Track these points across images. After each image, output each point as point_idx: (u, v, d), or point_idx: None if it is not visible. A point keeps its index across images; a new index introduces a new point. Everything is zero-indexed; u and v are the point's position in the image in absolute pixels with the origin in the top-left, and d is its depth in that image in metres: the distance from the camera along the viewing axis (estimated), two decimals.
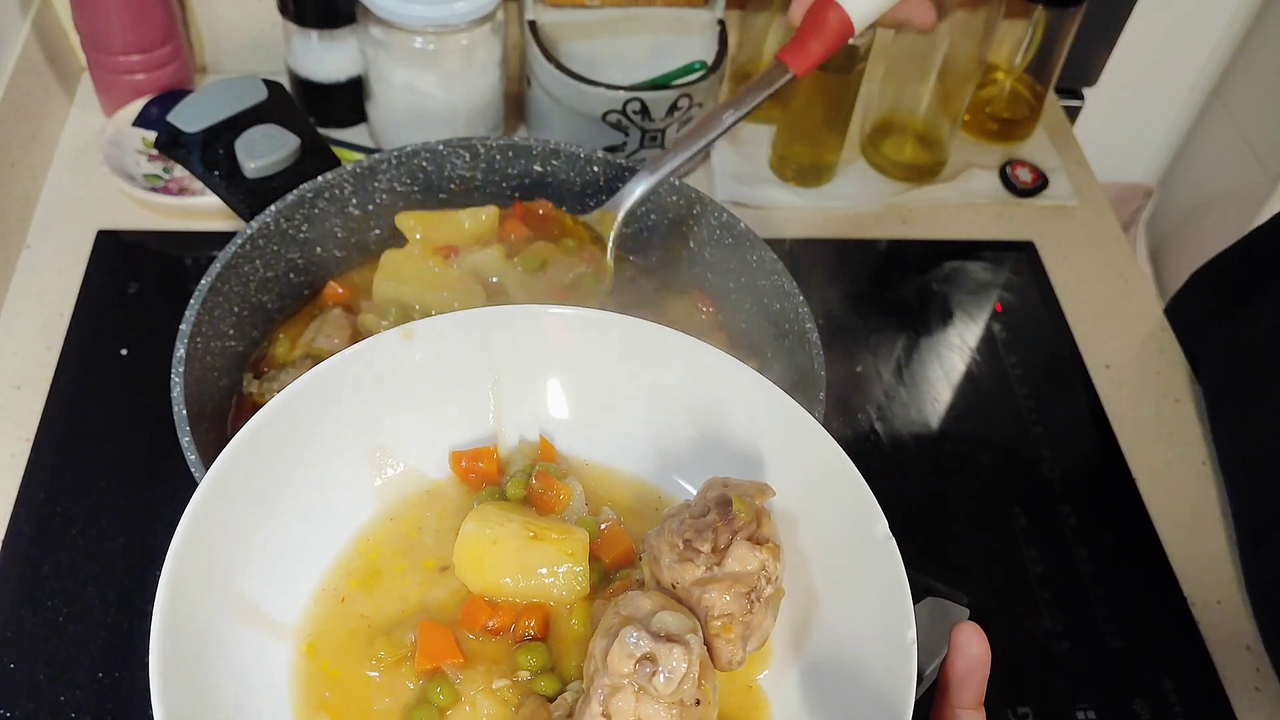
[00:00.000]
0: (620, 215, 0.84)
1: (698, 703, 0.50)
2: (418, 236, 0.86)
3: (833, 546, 0.59)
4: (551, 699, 0.56)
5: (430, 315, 0.66)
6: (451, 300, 0.81)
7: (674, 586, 0.55)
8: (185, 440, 0.70)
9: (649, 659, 0.50)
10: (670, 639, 0.50)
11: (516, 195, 0.92)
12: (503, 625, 0.58)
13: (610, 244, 0.84)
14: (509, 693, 0.56)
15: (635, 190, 0.84)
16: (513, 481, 0.63)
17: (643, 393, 0.66)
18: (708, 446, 0.65)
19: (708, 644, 0.54)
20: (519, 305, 0.65)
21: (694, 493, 0.62)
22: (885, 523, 0.57)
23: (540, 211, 0.88)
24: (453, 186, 0.90)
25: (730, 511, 0.55)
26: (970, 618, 0.62)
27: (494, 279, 0.84)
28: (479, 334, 0.64)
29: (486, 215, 0.87)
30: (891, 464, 0.97)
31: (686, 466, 0.65)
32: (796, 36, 0.84)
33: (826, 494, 0.60)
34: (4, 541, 0.84)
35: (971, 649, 0.54)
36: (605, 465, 0.67)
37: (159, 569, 0.60)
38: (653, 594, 0.54)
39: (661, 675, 0.49)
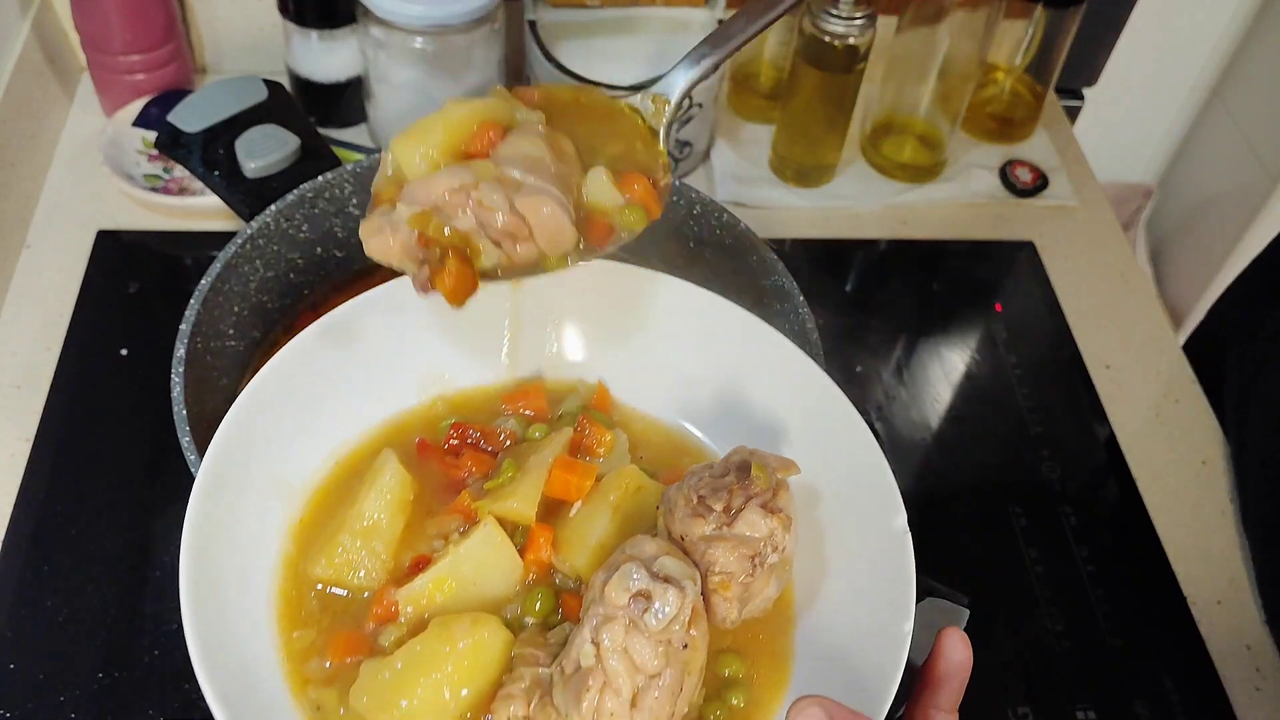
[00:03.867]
0: (674, 99, 0.71)
1: (685, 646, 0.52)
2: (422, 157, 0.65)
3: (850, 527, 0.62)
4: (550, 628, 0.58)
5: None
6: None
7: (682, 539, 0.57)
8: (185, 440, 0.70)
9: (644, 595, 0.51)
10: (668, 580, 0.52)
11: None
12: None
13: (664, 133, 0.70)
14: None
15: (687, 74, 0.71)
16: (564, 418, 0.68)
17: (694, 355, 0.71)
18: (749, 413, 0.68)
19: (705, 598, 0.55)
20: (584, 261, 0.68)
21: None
22: (904, 516, 0.59)
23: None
24: None
25: (749, 476, 0.57)
26: (970, 618, 0.63)
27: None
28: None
29: (494, 95, 0.67)
30: (891, 464, 0.97)
31: (723, 428, 0.69)
32: None
33: (852, 477, 0.63)
34: (4, 541, 0.84)
35: (954, 655, 0.55)
36: (653, 417, 0.71)
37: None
38: (659, 540, 0.56)
39: (654, 613, 0.51)
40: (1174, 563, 0.92)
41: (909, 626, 0.55)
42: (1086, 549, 0.92)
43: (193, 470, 0.69)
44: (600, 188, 0.64)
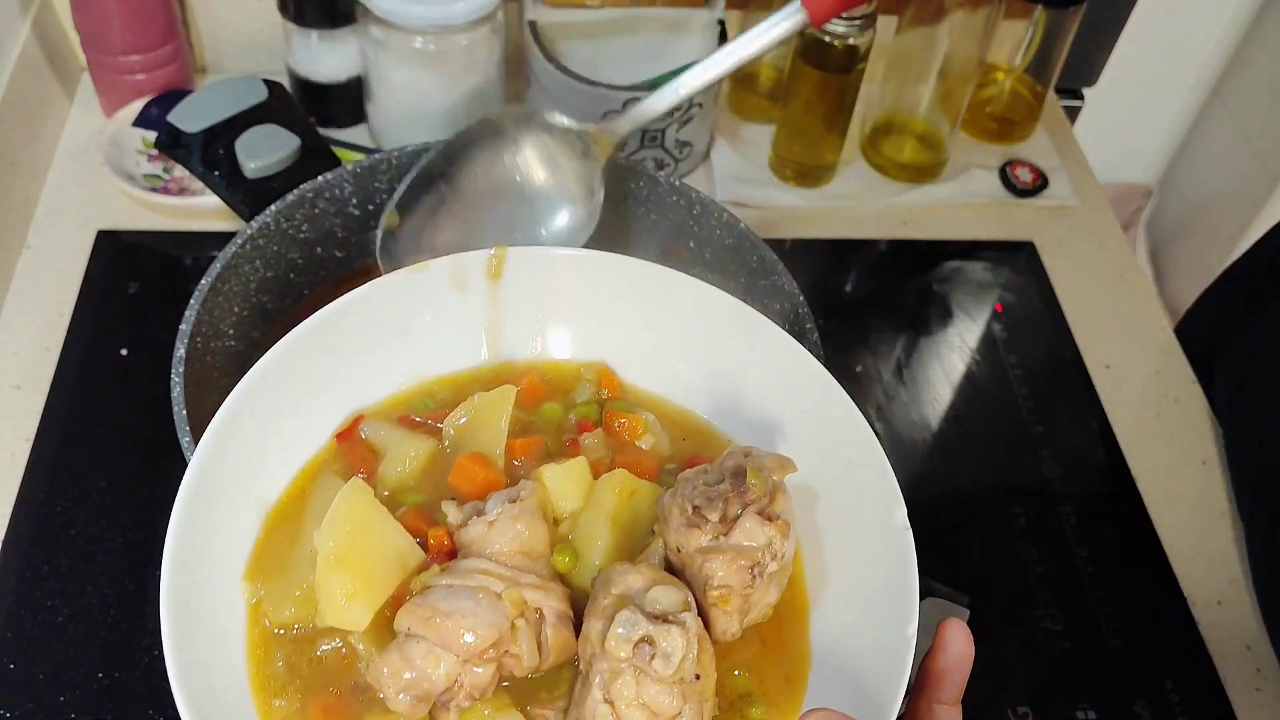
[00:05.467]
0: (617, 138, 0.84)
1: (697, 677, 0.50)
2: None
3: (849, 527, 0.60)
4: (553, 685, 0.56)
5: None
6: None
7: (678, 550, 0.55)
8: (185, 440, 0.70)
9: (646, 641, 0.49)
10: (666, 619, 0.50)
11: None
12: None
13: (602, 166, 0.83)
14: None
15: (634, 118, 0.84)
16: (582, 407, 0.65)
17: (689, 346, 0.68)
18: (745, 403, 0.66)
19: (703, 613, 0.54)
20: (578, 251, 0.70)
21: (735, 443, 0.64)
22: (904, 511, 0.57)
23: None
24: None
25: (744, 483, 0.55)
26: (970, 618, 0.63)
27: None
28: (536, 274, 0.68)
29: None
30: (892, 464, 0.97)
31: (724, 418, 0.67)
32: None
33: (850, 473, 0.61)
34: (4, 541, 0.84)
35: (956, 647, 0.54)
36: (664, 399, 0.69)
37: (159, 569, 0.60)
38: (642, 568, 0.54)
39: (661, 658, 0.49)
40: (1174, 563, 0.92)
41: (913, 629, 0.54)
42: (1086, 549, 0.92)
43: None
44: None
